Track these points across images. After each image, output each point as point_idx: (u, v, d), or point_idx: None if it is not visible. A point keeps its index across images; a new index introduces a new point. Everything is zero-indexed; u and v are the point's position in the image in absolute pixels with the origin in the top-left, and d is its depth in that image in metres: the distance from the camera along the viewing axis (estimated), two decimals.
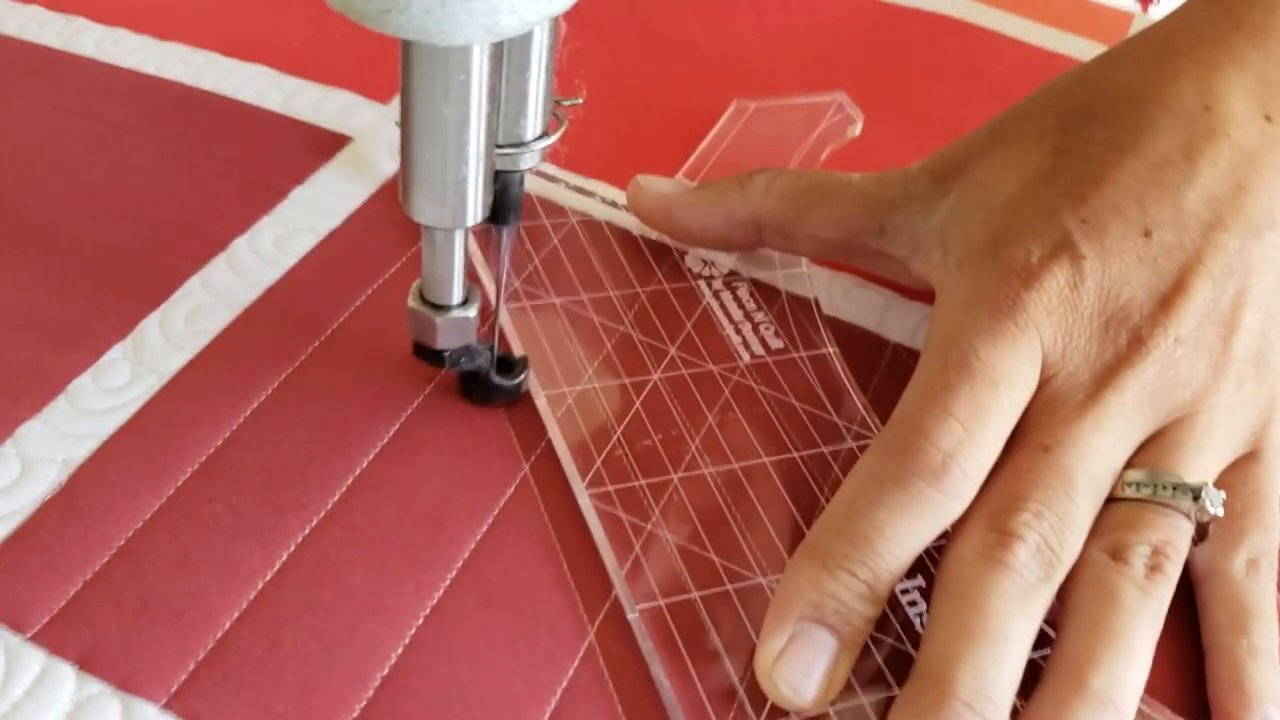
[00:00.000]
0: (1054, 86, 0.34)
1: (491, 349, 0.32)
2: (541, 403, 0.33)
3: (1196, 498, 0.28)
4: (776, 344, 0.36)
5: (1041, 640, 0.27)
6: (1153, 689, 0.27)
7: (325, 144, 0.42)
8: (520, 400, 0.33)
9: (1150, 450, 0.29)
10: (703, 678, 0.27)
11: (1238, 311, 0.30)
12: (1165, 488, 0.28)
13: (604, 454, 0.31)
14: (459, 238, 0.28)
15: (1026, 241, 0.30)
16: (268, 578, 0.28)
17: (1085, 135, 0.32)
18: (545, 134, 0.29)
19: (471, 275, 0.33)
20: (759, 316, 0.36)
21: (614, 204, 0.40)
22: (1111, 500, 0.29)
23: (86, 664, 0.26)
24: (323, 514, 0.30)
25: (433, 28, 0.21)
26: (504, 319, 0.35)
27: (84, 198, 0.39)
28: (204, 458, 0.31)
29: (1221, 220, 0.30)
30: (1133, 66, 0.33)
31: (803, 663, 0.26)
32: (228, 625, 0.27)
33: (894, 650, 0.28)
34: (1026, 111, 0.34)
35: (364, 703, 0.26)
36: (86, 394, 0.32)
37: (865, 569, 0.27)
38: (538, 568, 0.29)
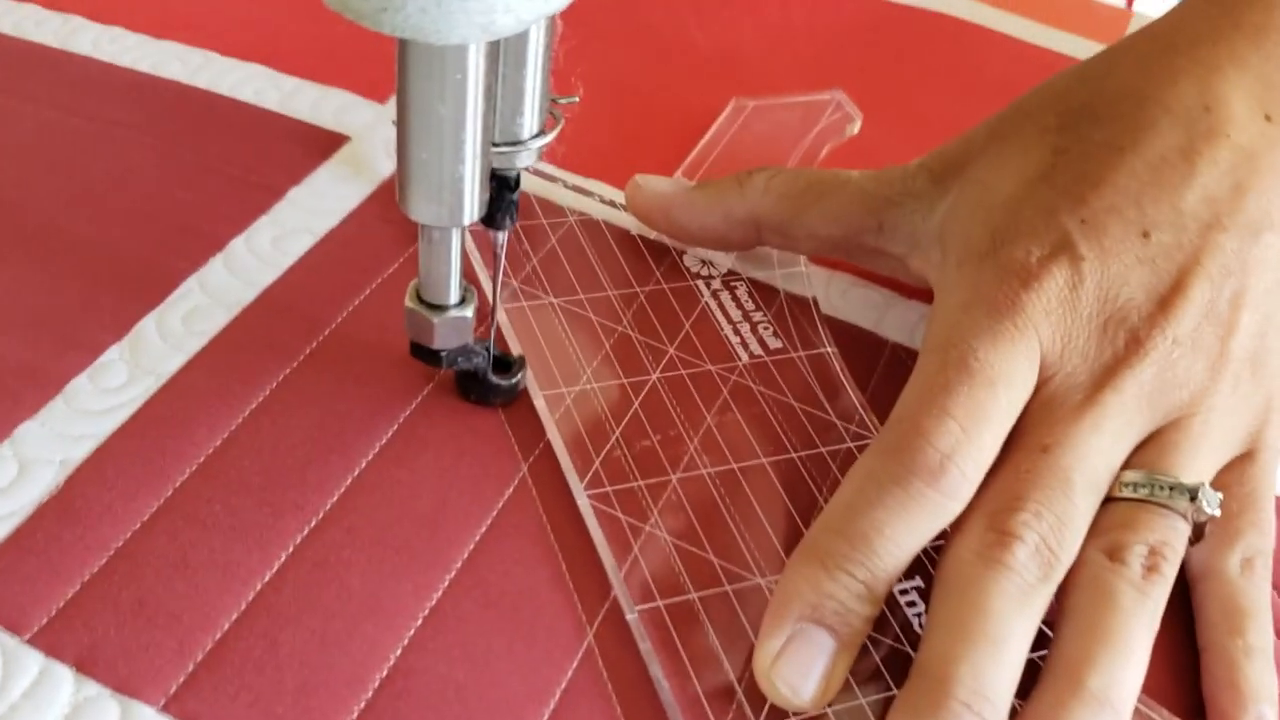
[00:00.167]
0: (1053, 85, 0.34)
1: (489, 349, 0.32)
2: (540, 403, 0.33)
3: (1193, 498, 0.28)
4: (775, 344, 0.36)
5: (1040, 641, 0.27)
6: (1150, 689, 0.27)
7: (322, 143, 0.42)
8: (518, 400, 0.33)
9: (1148, 451, 0.29)
10: (701, 678, 0.27)
11: (1235, 313, 0.30)
12: (1162, 488, 0.28)
13: (602, 454, 0.31)
14: (456, 237, 0.28)
15: (1026, 242, 0.30)
16: (266, 579, 0.28)
17: (1085, 135, 0.32)
18: (542, 133, 0.29)
19: (469, 275, 0.33)
20: (757, 316, 0.36)
21: (612, 203, 0.40)
22: (1109, 500, 0.29)
23: (84, 666, 0.26)
24: (321, 515, 0.30)
25: (429, 27, 0.21)
26: (501, 319, 0.35)
27: (80, 197, 0.38)
28: (202, 459, 0.30)
29: (1220, 221, 0.30)
30: (1132, 66, 0.33)
31: (801, 663, 0.26)
32: (226, 627, 0.27)
33: (892, 650, 0.28)
34: (1026, 110, 0.34)
35: (362, 704, 0.26)
36: (84, 395, 0.32)
37: (863, 569, 0.27)
38: (536, 569, 0.29)
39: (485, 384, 0.32)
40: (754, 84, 0.47)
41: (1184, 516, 0.28)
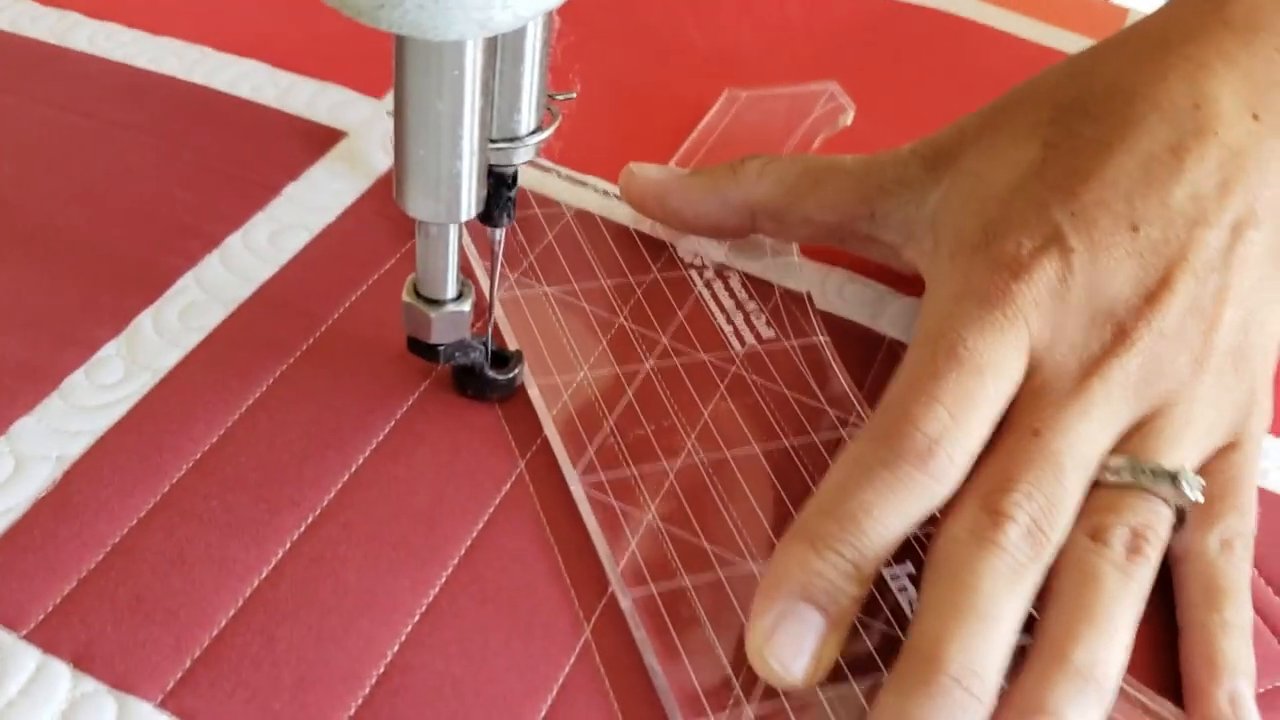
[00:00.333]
0: (1046, 79, 0.35)
1: (486, 344, 0.32)
2: (534, 392, 0.33)
3: (1175, 482, 0.29)
4: (768, 333, 0.36)
5: (1030, 626, 0.27)
6: (1137, 673, 0.28)
7: (319, 139, 0.42)
8: (515, 396, 0.33)
9: (1132, 439, 0.30)
10: (695, 666, 0.27)
11: (1219, 307, 0.30)
12: (1145, 473, 0.29)
13: (596, 443, 0.32)
14: (453, 232, 0.28)
15: (1017, 234, 0.31)
16: (263, 575, 0.28)
17: (1076, 130, 0.32)
18: (539, 129, 0.29)
19: (466, 270, 0.33)
20: (750, 306, 0.37)
21: (607, 193, 0.40)
22: (1094, 486, 0.29)
23: (81, 662, 0.26)
24: (318, 511, 0.30)
25: (426, 23, 0.21)
26: (498, 311, 0.35)
27: (77, 194, 0.38)
28: (199, 455, 0.30)
29: (1206, 218, 0.31)
30: (1123, 62, 0.34)
31: (792, 641, 0.26)
32: (223, 623, 0.27)
33: (885, 636, 0.28)
34: (1018, 102, 0.34)
35: (360, 700, 0.26)
36: (80, 390, 0.32)
37: (852, 549, 0.27)
38: (533, 564, 0.29)
39: (482, 379, 0.32)
40: (751, 81, 0.47)
41: (1166, 501, 0.29)
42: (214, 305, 0.35)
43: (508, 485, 0.31)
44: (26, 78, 0.44)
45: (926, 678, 0.25)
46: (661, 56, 0.49)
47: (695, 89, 0.46)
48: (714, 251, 0.38)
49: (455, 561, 0.29)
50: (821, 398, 0.34)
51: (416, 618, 0.28)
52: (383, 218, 0.38)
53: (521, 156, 0.29)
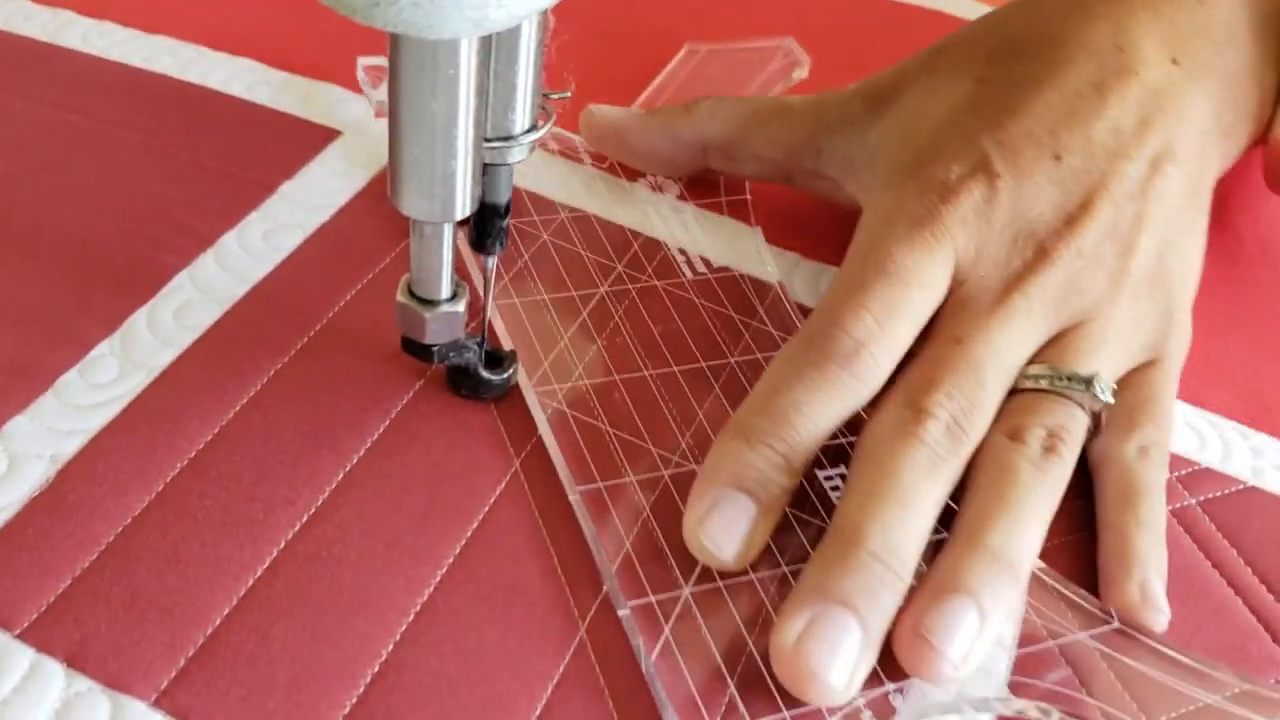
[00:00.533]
0: (981, 23, 0.37)
1: (480, 344, 0.32)
2: (531, 397, 0.33)
3: (1089, 388, 0.30)
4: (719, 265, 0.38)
5: (950, 523, 0.29)
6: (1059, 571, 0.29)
7: (314, 138, 0.42)
8: (510, 395, 0.33)
9: (1050, 350, 0.31)
10: (691, 671, 0.27)
11: (1135, 234, 0.32)
12: (1061, 379, 0.31)
13: (595, 450, 0.31)
14: (447, 232, 0.28)
15: (947, 161, 0.33)
16: (258, 574, 0.28)
17: (1007, 69, 0.35)
18: (534, 127, 0.29)
19: (460, 270, 0.33)
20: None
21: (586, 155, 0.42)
22: (1013, 393, 0.31)
23: (75, 661, 0.26)
24: (312, 510, 0.29)
25: (421, 21, 0.21)
26: (492, 314, 0.35)
27: (71, 192, 0.38)
28: (193, 454, 0.30)
29: (1126, 151, 0.33)
30: (1054, 8, 0.36)
31: (725, 524, 0.28)
32: (218, 622, 0.27)
33: (819, 531, 0.29)
34: (954, 45, 0.37)
35: (354, 699, 0.26)
36: (74, 390, 0.32)
37: (782, 443, 0.29)
38: (528, 563, 0.29)
39: (476, 379, 0.32)
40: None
41: (1081, 405, 0.31)
42: (208, 304, 0.35)
43: (502, 484, 0.31)
44: (20, 76, 0.44)
45: (847, 553, 0.27)
46: (657, 53, 0.49)
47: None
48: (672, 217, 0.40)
49: (450, 560, 0.29)
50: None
51: (411, 616, 0.28)
52: (378, 217, 0.38)
53: (516, 155, 0.29)
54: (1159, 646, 0.28)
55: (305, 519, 0.29)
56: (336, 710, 0.26)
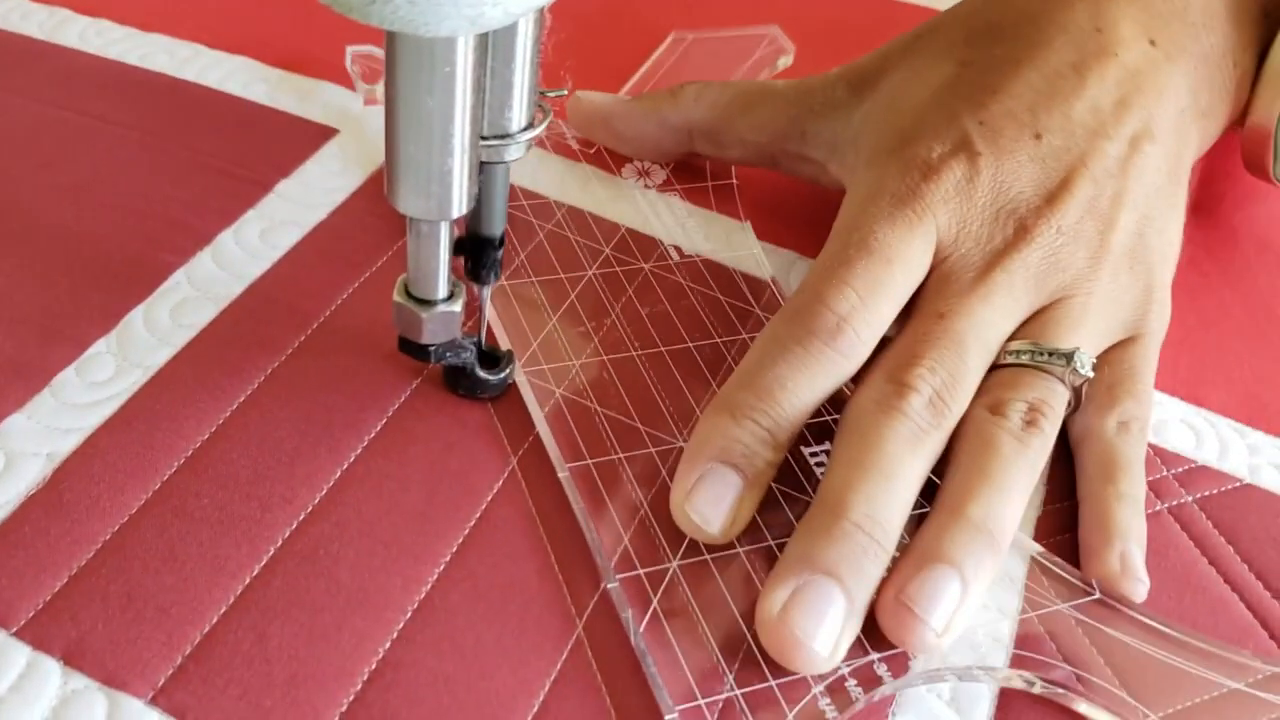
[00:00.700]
0: (962, 7, 0.38)
1: (477, 343, 0.32)
2: (527, 392, 0.33)
3: (1070, 362, 0.31)
4: (706, 247, 0.38)
5: (933, 495, 0.29)
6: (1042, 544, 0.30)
7: (311, 137, 0.42)
8: (506, 393, 0.33)
9: (1031, 325, 0.32)
10: (680, 642, 0.27)
11: (1115, 211, 0.33)
12: (1041, 354, 0.31)
13: (584, 430, 0.32)
14: (444, 231, 0.28)
15: (928, 140, 0.33)
16: (255, 573, 0.28)
17: (987, 50, 0.35)
18: (530, 125, 0.29)
19: (457, 270, 0.33)
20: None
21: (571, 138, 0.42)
22: (995, 368, 0.31)
23: (72, 659, 0.26)
24: (309, 509, 0.29)
25: (417, 19, 0.21)
26: (488, 312, 0.35)
27: (67, 190, 0.38)
28: (190, 452, 0.30)
29: (1105, 130, 0.33)
30: None
31: (712, 497, 0.29)
32: (215, 620, 0.27)
33: (804, 506, 0.29)
34: (935, 29, 0.37)
35: (352, 697, 0.26)
36: (71, 388, 0.32)
37: (767, 418, 0.29)
38: (525, 561, 0.29)
39: (473, 379, 0.32)
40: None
41: (1061, 379, 0.31)
42: (205, 302, 0.35)
43: (500, 482, 0.31)
44: (16, 74, 0.43)
45: (831, 523, 0.27)
46: (653, 52, 0.49)
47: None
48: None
49: (447, 558, 0.29)
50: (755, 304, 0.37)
51: (408, 615, 0.28)
52: (375, 216, 0.38)
53: (513, 153, 0.29)
54: (1139, 616, 0.28)
55: (302, 517, 0.29)
56: (334, 708, 0.26)
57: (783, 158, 0.39)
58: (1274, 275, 0.41)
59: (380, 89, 0.41)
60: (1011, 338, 0.32)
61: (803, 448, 0.32)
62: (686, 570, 0.29)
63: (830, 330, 0.30)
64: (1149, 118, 0.34)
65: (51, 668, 0.26)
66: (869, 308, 0.30)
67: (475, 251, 0.31)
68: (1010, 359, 0.31)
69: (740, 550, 0.29)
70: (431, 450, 0.31)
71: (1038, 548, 0.30)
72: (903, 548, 0.28)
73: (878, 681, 0.27)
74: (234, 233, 0.37)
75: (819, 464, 0.31)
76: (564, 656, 0.27)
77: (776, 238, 0.40)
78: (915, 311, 0.31)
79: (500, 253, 0.31)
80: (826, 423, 0.32)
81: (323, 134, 0.42)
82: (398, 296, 0.30)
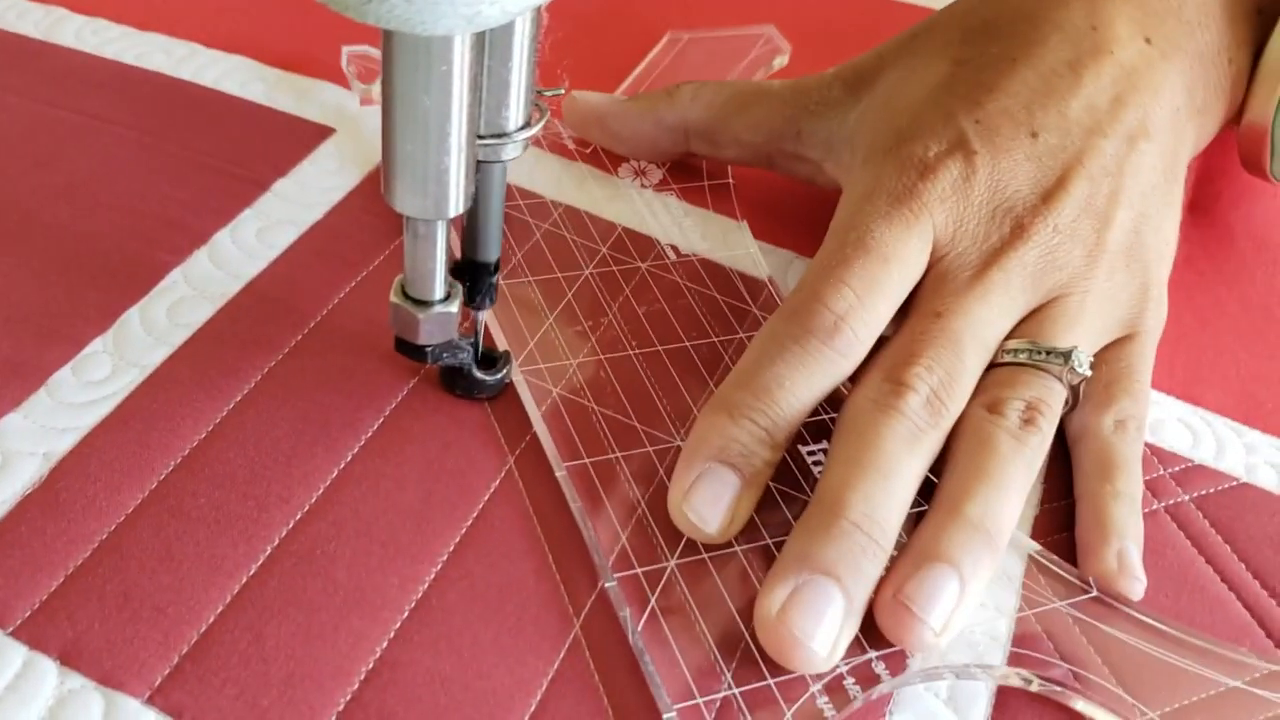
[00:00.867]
0: (958, 6, 0.38)
1: (474, 344, 0.32)
2: (524, 391, 0.33)
3: (1067, 361, 0.31)
4: (702, 246, 0.38)
5: (931, 494, 0.29)
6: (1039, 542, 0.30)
7: (308, 136, 0.42)
8: (504, 392, 0.33)
9: (1029, 324, 0.32)
10: (677, 641, 0.27)
11: (1111, 209, 0.33)
12: (1039, 352, 0.31)
13: (582, 429, 0.32)
14: (441, 230, 0.28)
15: (925, 139, 0.33)
16: (251, 572, 0.28)
17: (983, 48, 0.35)
18: (527, 124, 0.29)
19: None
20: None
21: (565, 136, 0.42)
22: (992, 366, 0.31)
23: (68, 659, 0.26)
24: (306, 508, 0.29)
25: (414, 18, 0.21)
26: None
27: (64, 190, 0.38)
28: (186, 451, 0.30)
29: (1101, 128, 0.33)
30: None
31: (709, 497, 0.29)
32: (211, 619, 0.27)
33: (802, 505, 0.29)
34: (930, 28, 0.37)
35: (349, 696, 0.26)
36: (67, 387, 0.32)
37: (765, 417, 0.29)
38: (522, 561, 0.29)
39: (470, 379, 0.32)
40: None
41: (1059, 378, 0.31)
42: (202, 302, 0.35)
43: (497, 481, 0.31)
44: (13, 73, 0.43)
45: (829, 522, 0.27)
46: (643, 44, 0.49)
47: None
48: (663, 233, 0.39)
49: (444, 558, 0.29)
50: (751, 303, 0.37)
51: (405, 614, 0.28)
52: (372, 215, 0.38)
53: (510, 152, 0.29)
54: (1137, 614, 0.28)
55: (299, 517, 0.29)
56: (330, 708, 0.26)
57: (779, 157, 0.39)
58: (1270, 274, 0.41)
59: (377, 89, 0.41)
60: (1009, 336, 0.32)
61: (800, 446, 0.32)
62: (684, 569, 0.29)
63: (828, 329, 0.30)
64: (1145, 115, 0.34)
65: (48, 667, 0.26)
66: (866, 307, 0.30)
67: (471, 277, 0.31)
68: (1008, 358, 0.31)
69: (738, 549, 0.29)
70: (428, 449, 0.31)
71: (1035, 546, 0.30)
72: (901, 546, 0.28)
73: (876, 680, 0.27)
74: (231, 232, 0.37)
75: (816, 462, 0.31)
76: (561, 655, 0.27)
77: (773, 237, 0.40)
78: (912, 310, 0.31)
79: (496, 277, 0.31)
80: (824, 421, 0.32)
81: (320, 133, 0.42)
82: (394, 297, 0.30)
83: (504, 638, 0.27)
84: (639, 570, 0.28)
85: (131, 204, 0.38)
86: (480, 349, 0.32)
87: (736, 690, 0.26)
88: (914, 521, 0.29)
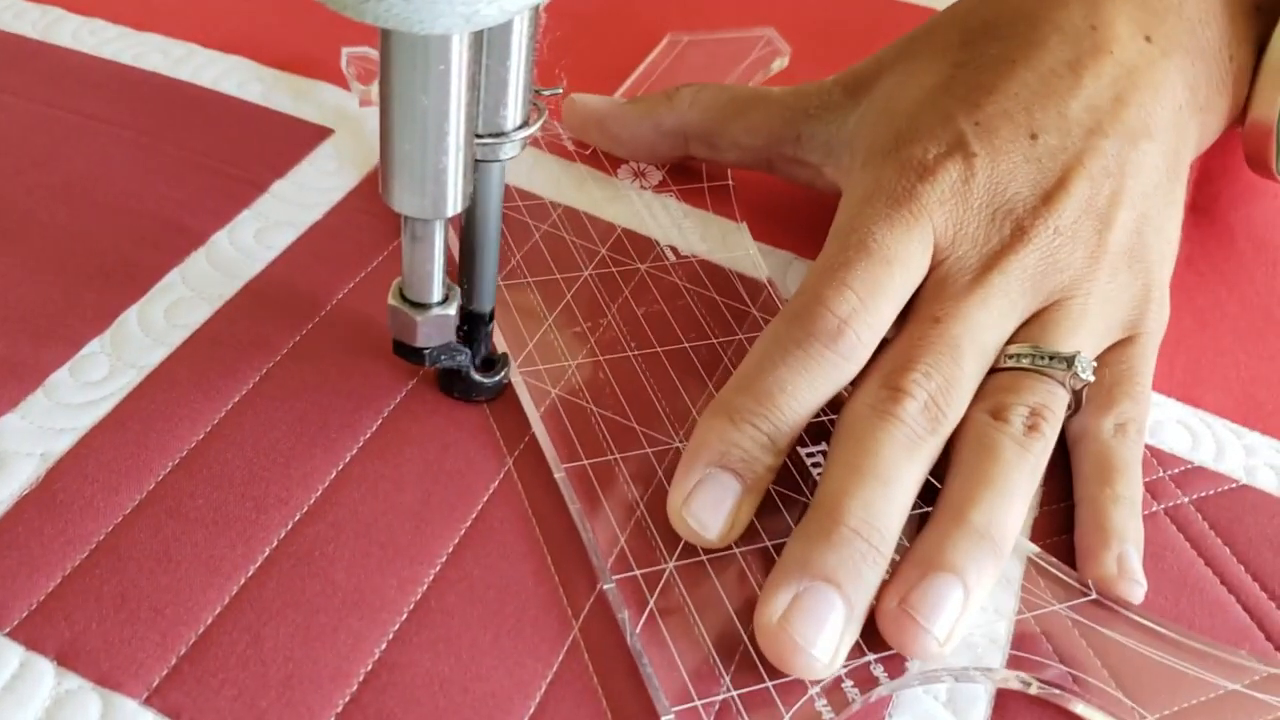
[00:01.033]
0: (956, 8, 0.38)
1: (472, 348, 0.32)
2: (523, 392, 0.33)
3: (1070, 366, 0.30)
4: (701, 247, 0.38)
5: (932, 499, 0.29)
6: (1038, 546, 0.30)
7: (306, 136, 0.42)
8: (502, 394, 0.33)
9: (1030, 328, 0.32)
10: (676, 643, 0.27)
11: (1113, 209, 0.33)
12: (1042, 357, 0.31)
13: (580, 430, 0.32)
14: (438, 230, 0.28)
15: (924, 141, 0.33)
16: (250, 573, 0.28)
17: (982, 50, 0.35)
18: (525, 124, 0.29)
19: (451, 273, 0.33)
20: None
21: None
22: (994, 371, 0.31)
23: (66, 659, 0.26)
24: (305, 509, 0.29)
25: (412, 17, 0.21)
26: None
27: (61, 190, 0.38)
28: (184, 452, 0.30)
29: (1101, 128, 0.33)
30: None
31: (710, 502, 0.28)
32: (209, 621, 0.27)
33: (802, 507, 0.29)
34: (929, 31, 0.37)
35: (347, 698, 0.26)
36: (64, 388, 0.32)
37: (767, 422, 0.29)
38: (521, 562, 0.29)
39: (468, 382, 0.32)
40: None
41: (1062, 383, 0.31)
42: (200, 302, 0.35)
43: (496, 483, 0.31)
44: (10, 73, 0.43)
45: (829, 529, 0.27)
46: (649, 50, 0.49)
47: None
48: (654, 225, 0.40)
49: (443, 559, 0.29)
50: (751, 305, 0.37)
51: (404, 616, 0.28)
52: (370, 216, 0.38)
53: (507, 152, 0.29)
54: (1136, 617, 0.28)
55: (298, 518, 0.29)
56: (329, 709, 0.26)
57: (778, 161, 0.39)
58: (1271, 275, 0.41)
59: (376, 90, 0.41)
60: (1010, 340, 0.31)
61: (799, 448, 0.31)
62: (682, 571, 0.29)
63: (831, 332, 0.29)
64: (1146, 115, 0.34)
65: (45, 668, 0.26)
66: (869, 309, 0.30)
67: (468, 328, 0.31)
68: (1010, 363, 0.31)
69: (736, 551, 0.29)
70: (427, 451, 0.31)
71: (1035, 549, 0.30)
72: (901, 551, 0.28)
73: (874, 682, 0.27)
74: (229, 233, 0.37)
75: (815, 465, 0.31)
76: (560, 658, 0.27)
77: (773, 238, 0.40)
78: (912, 315, 0.31)
79: (491, 326, 0.32)
80: (823, 423, 0.32)
81: (318, 134, 0.42)
82: (392, 300, 0.30)
83: (503, 639, 0.27)
84: (637, 572, 0.28)
85: (129, 204, 0.38)
86: (479, 352, 0.32)
87: (735, 692, 0.26)
88: (914, 524, 0.29)
